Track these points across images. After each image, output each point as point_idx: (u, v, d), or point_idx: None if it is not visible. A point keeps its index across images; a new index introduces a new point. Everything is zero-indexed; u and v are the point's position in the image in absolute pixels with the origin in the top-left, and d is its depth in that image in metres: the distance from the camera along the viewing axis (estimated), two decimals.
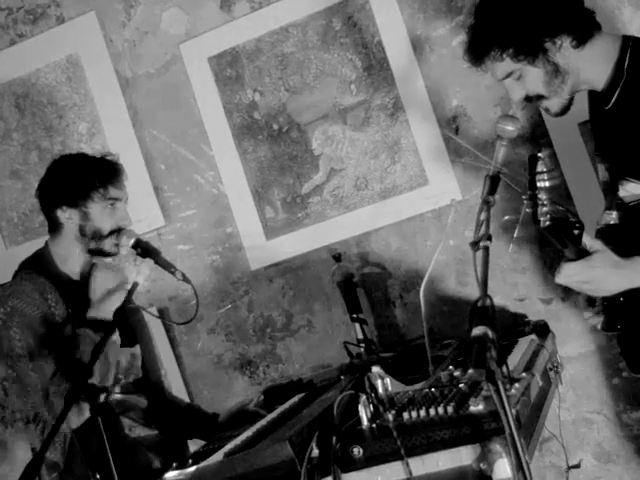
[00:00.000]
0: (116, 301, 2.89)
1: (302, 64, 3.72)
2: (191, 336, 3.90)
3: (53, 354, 2.84)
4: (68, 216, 2.96)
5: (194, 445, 3.25)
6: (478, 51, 2.39)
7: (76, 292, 2.99)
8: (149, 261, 2.99)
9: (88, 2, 3.94)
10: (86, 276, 3.03)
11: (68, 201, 2.95)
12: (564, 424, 3.25)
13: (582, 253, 2.27)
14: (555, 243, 2.31)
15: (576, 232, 2.27)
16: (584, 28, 2.31)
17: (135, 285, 2.89)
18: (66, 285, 3.00)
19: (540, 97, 2.40)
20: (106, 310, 2.86)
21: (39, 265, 3.00)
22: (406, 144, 3.60)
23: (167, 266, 3.00)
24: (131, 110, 3.91)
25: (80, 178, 2.96)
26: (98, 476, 2.81)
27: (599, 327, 2.49)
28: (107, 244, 2.99)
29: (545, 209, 2.23)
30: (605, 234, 2.46)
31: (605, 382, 3.49)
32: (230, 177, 3.80)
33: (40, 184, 3.05)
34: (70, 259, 3.02)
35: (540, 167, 2.21)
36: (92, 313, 2.89)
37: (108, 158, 3.05)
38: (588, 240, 2.28)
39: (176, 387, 3.87)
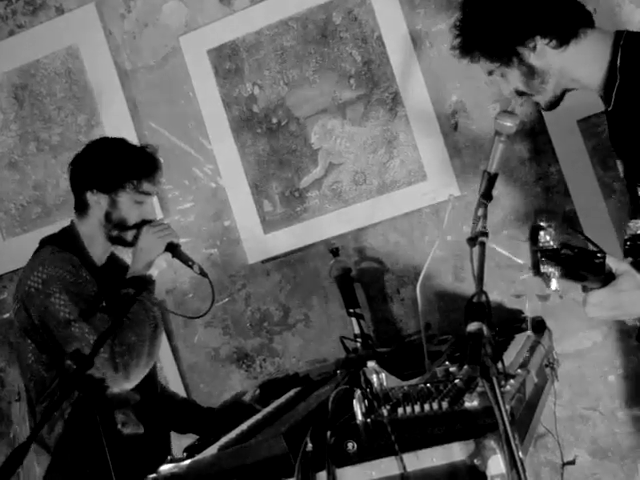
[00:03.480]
0: (159, 264, 2.98)
1: (302, 58, 3.72)
2: (188, 329, 3.91)
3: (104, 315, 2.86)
4: (97, 200, 2.97)
5: (179, 441, 3.24)
6: (460, 52, 2.39)
7: (99, 276, 2.99)
8: (167, 254, 3.00)
9: None
10: (106, 263, 3.07)
11: (100, 186, 2.96)
12: (560, 420, 3.24)
13: (608, 279, 2.16)
14: (576, 282, 2.20)
15: (598, 261, 2.14)
16: (563, 29, 2.26)
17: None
18: (92, 267, 3.00)
19: (525, 93, 2.39)
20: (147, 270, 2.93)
21: (66, 242, 2.99)
22: (405, 139, 3.60)
23: (186, 260, 3.03)
24: (130, 102, 3.91)
25: (117, 165, 2.96)
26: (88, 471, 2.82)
27: (637, 332, 2.46)
28: (129, 235, 3.00)
29: (553, 280, 2.16)
30: (635, 245, 2.36)
31: (601, 379, 3.50)
32: (228, 170, 3.81)
33: (74, 161, 3.04)
34: (95, 241, 3.02)
35: (543, 237, 2.11)
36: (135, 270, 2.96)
37: (149, 150, 3.06)
38: (613, 262, 2.15)
39: (172, 380, 3.88)
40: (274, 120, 3.76)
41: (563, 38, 2.26)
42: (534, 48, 2.27)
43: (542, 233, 2.11)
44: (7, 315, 3.98)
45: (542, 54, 2.28)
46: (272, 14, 3.73)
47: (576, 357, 3.49)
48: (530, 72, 2.31)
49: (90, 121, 3.96)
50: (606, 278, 2.16)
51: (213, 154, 3.84)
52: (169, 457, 2.50)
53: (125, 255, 3.26)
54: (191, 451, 2.49)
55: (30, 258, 3.03)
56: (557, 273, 2.11)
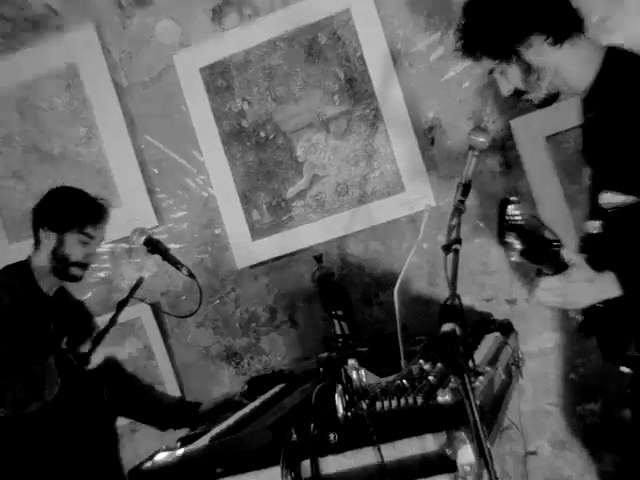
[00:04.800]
0: (149, 267, 3.12)
1: (288, 76, 3.73)
2: (181, 329, 3.92)
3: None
4: (47, 236, 3.11)
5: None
6: (463, 53, 2.40)
7: (49, 306, 3.12)
8: (156, 257, 3.08)
9: (86, 12, 3.95)
10: (56, 295, 3.18)
11: (50, 224, 3.10)
12: (524, 414, 3.25)
13: (561, 267, 2.23)
14: (533, 264, 2.27)
15: (554, 249, 2.21)
16: (560, 27, 2.28)
17: (141, 280, 2.99)
18: (40, 297, 3.12)
19: (523, 92, 2.39)
20: None
21: (18, 272, 3.12)
22: (384, 153, 3.61)
23: (174, 262, 3.10)
24: (126, 116, 3.93)
25: (67, 210, 3.10)
26: None
27: (577, 325, 2.47)
28: (72, 270, 3.12)
29: (515, 251, 2.22)
30: (588, 243, 2.41)
31: (562, 377, 3.51)
32: (219, 181, 3.82)
33: (37, 204, 3.19)
34: (43, 273, 3.13)
35: (510, 210, 2.18)
36: None
37: (99, 201, 3.18)
38: (567, 254, 2.23)
39: (167, 376, 3.91)
40: (262, 134, 3.77)
41: (559, 36, 2.28)
42: (532, 45, 2.28)
43: (510, 207, 2.18)
44: None
45: (539, 51, 2.29)
46: (261, 34, 3.74)
47: (539, 356, 3.51)
48: (528, 68, 2.32)
49: (88, 134, 3.96)
50: (560, 267, 2.23)
51: (205, 166, 3.85)
52: (164, 447, 2.54)
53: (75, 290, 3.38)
54: (185, 441, 2.50)
55: None
56: (519, 246, 2.17)
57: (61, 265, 3.09)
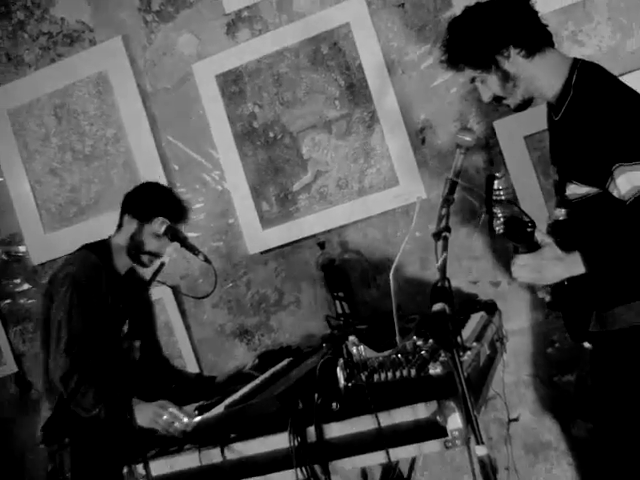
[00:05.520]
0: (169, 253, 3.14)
1: (294, 82, 3.70)
2: (198, 309, 3.90)
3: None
4: (129, 222, 3.07)
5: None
6: (449, 65, 2.44)
7: (119, 282, 3.08)
8: (176, 244, 3.05)
9: (116, 28, 3.94)
10: (127, 274, 3.14)
11: (135, 212, 3.07)
12: (507, 385, 3.26)
13: (534, 247, 2.29)
14: (511, 241, 2.33)
15: (529, 230, 2.28)
16: (531, 41, 2.33)
17: (162, 265, 2.95)
18: (114, 274, 3.08)
19: (501, 97, 2.42)
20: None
21: (98, 250, 3.08)
22: (380, 151, 3.59)
23: (192, 249, 3.05)
24: (150, 119, 3.90)
25: (152, 203, 3.06)
26: None
27: (546, 303, 2.53)
28: (143, 257, 3.09)
29: (499, 221, 2.25)
30: (555, 228, 2.48)
31: (541, 351, 3.50)
32: (232, 176, 3.79)
33: (129, 191, 3.16)
34: (119, 254, 3.10)
35: (496, 185, 2.24)
36: None
37: (183, 204, 3.15)
38: (540, 236, 2.30)
39: (185, 351, 3.89)
40: (271, 134, 3.74)
41: (531, 49, 2.32)
42: (508, 57, 2.32)
43: (496, 182, 2.23)
44: None
45: (514, 62, 2.33)
46: (270, 46, 3.72)
47: (521, 333, 3.49)
48: (505, 77, 2.35)
49: (117, 134, 3.94)
50: (533, 246, 2.29)
51: (220, 162, 3.82)
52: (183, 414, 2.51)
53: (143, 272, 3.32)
54: (202, 410, 2.49)
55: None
56: (502, 218, 2.23)
57: (135, 251, 3.06)
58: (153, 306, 3.39)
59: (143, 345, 3.16)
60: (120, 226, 3.12)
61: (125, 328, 3.04)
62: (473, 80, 2.43)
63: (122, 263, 3.11)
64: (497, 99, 2.44)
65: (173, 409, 2.55)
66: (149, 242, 3.05)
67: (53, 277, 2.99)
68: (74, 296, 2.87)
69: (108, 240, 3.13)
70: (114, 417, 2.71)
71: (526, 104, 2.43)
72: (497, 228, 2.27)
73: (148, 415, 2.58)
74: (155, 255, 3.08)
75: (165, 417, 2.54)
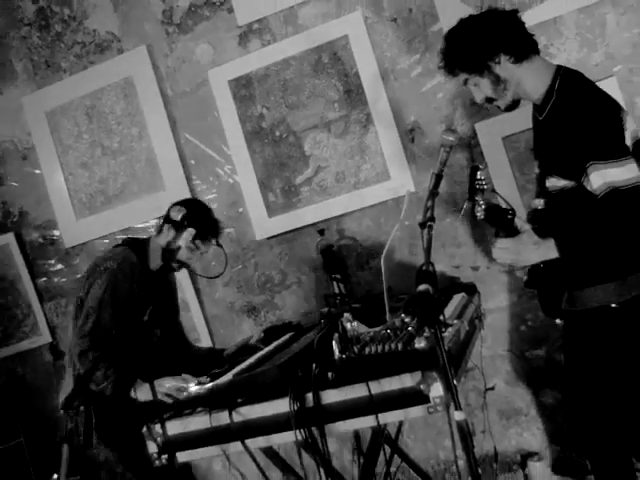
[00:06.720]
0: (185, 237, 2.99)
1: (299, 87, 3.68)
2: (211, 288, 3.90)
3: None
4: (168, 230, 2.99)
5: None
6: (445, 71, 2.43)
7: (150, 278, 3.03)
8: (191, 230, 2.97)
9: (141, 38, 3.92)
10: (158, 271, 3.07)
11: (174, 223, 2.97)
12: (484, 358, 3.27)
13: (514, 232, 2.32)
14: (492, 227, 2.35)
15: (509, 217, 2.31)
16: (519, 49, 2.33)
17: (179, 248, 2.92)
18: (146, 271, 3.02)
19: (492, 99, 2.42)
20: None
21: (138, 248, 3.03)
22: (374, 149, 3.57)
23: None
24: (170, 119, 3.88)
25: (191, 218, 2.97)
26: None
27: (523, 282, 2.54)
28: (173, 264, 3.03)
29: (481, 208, 2.26)
30: (533, 216, 2.48)
31: (515, 328, 3.49)
32: (242, 170, 3.77)
33: (175, 202, 3.06)
34: (154, 255, 3.03)
35: (479, 175, 2.26)
36: None
37: (219, 224, 3.07)
38: (519, 222, 2.33)
39: (199, 326, 3.88)
40: (277, 133, 3.72)
41: (519, 55, 2.33)
42: (499, 62, 2.33)
43: (479, 172, 2.26)
44: (79, 275, 3.98)
45: (504, 67, 2.33)
46: (277, 54, 3.70)
47: (497, 312, 3.48)
48: (496, 80, 2.35)
49: (141, 133, 3.92)
50: (513, 232, 2.33)
51: (231, 158, 3.80)
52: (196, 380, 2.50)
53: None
54: (213, 377, 2.49)
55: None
56: (484, 205, 2.26)
57: (168, 255, 3.00)
58: (177, 297, 3.33)
59: (164, 331, 3.12)
60: (158, 231, 3.05)
61: (146, 317, 3.00)
62: (466, 82, 2.42)
63: (155, 262, 3.04)
64: (489, 100, 2.43)
65: (175, 382, 2.60)
66: (181, 252, 2.99)
67: (95, 266, 2.93)
68: (107, 291, 2.84)
69: (148, 240, 3.07)
70: (119, 392, 2.71)
71: (515, 105, 2.43)
72: (478, 214, 2.29)
73: (149, 391, 2.59)
74: (184, 265, 3.03)
75: (168, 385, 2.59)
